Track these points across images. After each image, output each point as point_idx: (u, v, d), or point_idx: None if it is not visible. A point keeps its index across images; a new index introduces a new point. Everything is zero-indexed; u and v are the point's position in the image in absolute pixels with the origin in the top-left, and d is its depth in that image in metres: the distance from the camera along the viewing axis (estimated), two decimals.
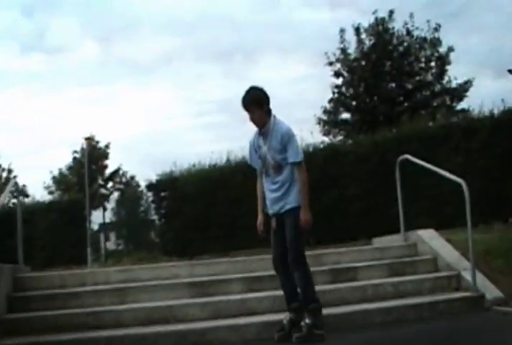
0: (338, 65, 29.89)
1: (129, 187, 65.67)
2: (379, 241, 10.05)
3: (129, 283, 7.67)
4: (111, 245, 73.76)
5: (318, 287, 6.32)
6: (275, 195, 6.21)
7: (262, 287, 7.36)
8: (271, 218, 6.28)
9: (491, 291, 7.26)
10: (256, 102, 6.21)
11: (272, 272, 6.51)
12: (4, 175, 47.58)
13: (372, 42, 29.36)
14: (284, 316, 6.20)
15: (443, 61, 28.96)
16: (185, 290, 7.38)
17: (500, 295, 7.19)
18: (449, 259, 8.06)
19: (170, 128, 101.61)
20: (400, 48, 29.24)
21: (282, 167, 6.19)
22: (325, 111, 30.23)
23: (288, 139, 6.15)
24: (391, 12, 29.40)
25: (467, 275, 7.43)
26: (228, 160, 17.68)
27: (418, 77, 29.32)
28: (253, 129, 6.31)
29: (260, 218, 6.38)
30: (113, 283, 7.83)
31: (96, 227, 62.14)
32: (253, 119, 6.22)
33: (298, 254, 6.03)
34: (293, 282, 6.11)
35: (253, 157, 6.47)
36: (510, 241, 8.54)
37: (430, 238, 8.75)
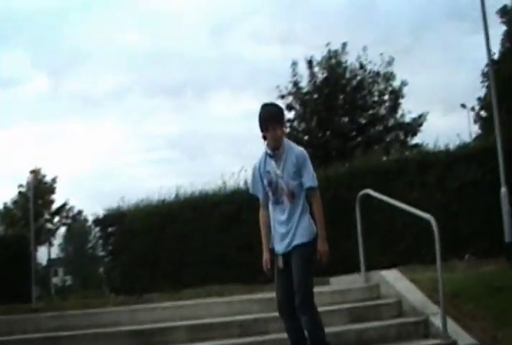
0: (290, 98, 29.43)
1: (76, 222, 64.46)
2: (337, 282, 9.44)
3: (62, 331, 6.88)
4: (58, 281, 72.39)
5: (270, 337, 5.69)
6: (285, 229, 5.52)
7: (210, 336, 6.62)
8: (277, 256, 5.55)
9: (463, 338, 6.68)
10: (283, 117, 5.69)
11: (220, 319, 5.86)
12: None
13: (325, 75, 28.98)
14: None
15: (396, 95, 28.70)
16: (126, 339, 6.63)
17: (474, 341, 6.64)
18: (415, 303, 7.46)
19: (120, 163, 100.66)
20: (354, 82, 28.89)
21: (295, 194, 5.53)
22: None
23: (302, 161, 5.52)
24: (344, 45, 29.02)
25: (436, 320, 6.84)
26: (177, 195, 17.52)
27: (371, 112, 28.95)
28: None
29: (266, 254, 5.60)
30: (44, 331, 7.01)
31: (43, 263, 60.90)
32: (275, 136, 5.52)
33: (307, 296, 5.35)
34: (299, 326, 5.41)
35: (257, 184, 5.73)
36: (479, 281, 8.00)
37: (394, 280, 8.14)
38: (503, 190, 12.67)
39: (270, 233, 5.65)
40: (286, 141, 5.62)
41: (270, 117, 5.54)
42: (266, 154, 5.66)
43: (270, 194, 5.62)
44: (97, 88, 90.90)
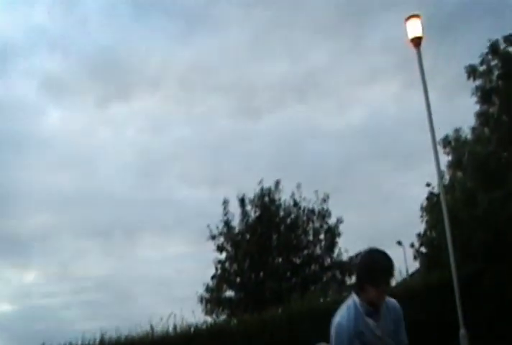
0: (221, 239, 28.28)
1: None
2: None
3: None
4: None
5: None
6: None
7: None
8: None
9: None
10: None
11: None
12: None
13: (258, 213, 28.13)
14: None
15: (332, 233, 27.91)
16: None
17: None
18: None
19: (45, 305, 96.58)
20: (288, 220, 28.09)
21: None
22: (207, 289, 28.27)
23: (400, 315, 4.61)
24: (277, 183, 28.35)
25: None
26: (101, 341, 16.23)
27: (306, 251, 27.98)
28: None
29: None
30: None
31: None
32: (387, 292, 4.48)
33: None
34: None
35: None
36: None
37: None
38: (462, 332, 11.53)
39: None
40: None
41: (390, 269, 4.49)
42: (358, 310, 4.48)
43: None
44: (24, 227, 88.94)
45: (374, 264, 4.33)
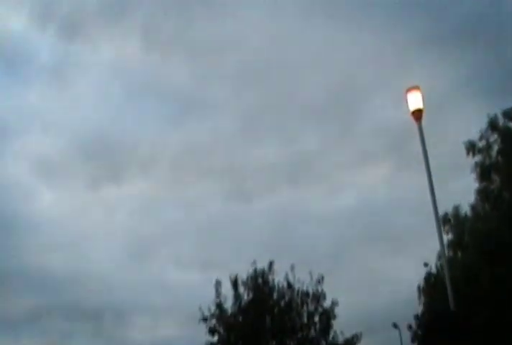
0: (213, 321, 27.36)
1: None
2: None
3: None
4: None
5: None
6: None
7: None
8: None
9: None
10: None
11: None
12: None
13: (251, 296, 27.37)
14: None
15: (327, 316, 27.11)
16: None
17: None
18: None
19: None
20: (282, 302, 27.33)
21: None
22: None
23: None
24: (271, 264, 27.73)
25: None
26: None
27: (300, 334, 27.10)
28: None
29: None
30: None
31: None
32: None
33: None
34: None
35: None
36: None
37: None
38: None
39: None
40: None
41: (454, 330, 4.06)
42: None
43: None
44: (14, 308, 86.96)
45: (434, 324, 4.00)
